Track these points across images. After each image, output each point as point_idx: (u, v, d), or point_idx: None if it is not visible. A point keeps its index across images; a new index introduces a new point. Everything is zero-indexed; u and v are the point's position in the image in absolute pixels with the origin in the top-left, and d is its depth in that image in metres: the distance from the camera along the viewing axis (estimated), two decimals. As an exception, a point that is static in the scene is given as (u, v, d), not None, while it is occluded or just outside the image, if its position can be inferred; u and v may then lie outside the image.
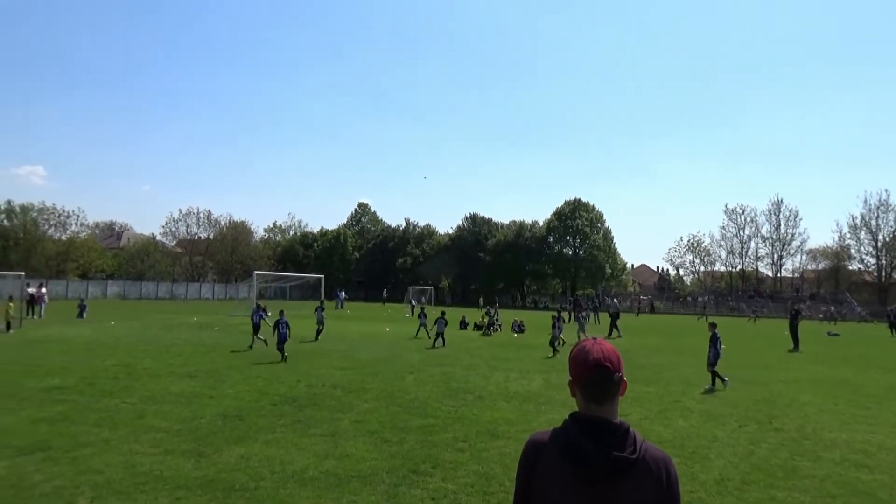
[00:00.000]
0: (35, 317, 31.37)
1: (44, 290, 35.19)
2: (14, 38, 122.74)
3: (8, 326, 23.04)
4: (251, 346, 20.07)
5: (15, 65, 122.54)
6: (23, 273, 31.60)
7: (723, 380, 14.26)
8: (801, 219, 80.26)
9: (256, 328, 20.55)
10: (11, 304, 23.65)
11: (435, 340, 21.11)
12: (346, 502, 6.11)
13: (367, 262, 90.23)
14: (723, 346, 14.95)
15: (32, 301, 32.64)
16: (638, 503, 1.86)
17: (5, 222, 72.42)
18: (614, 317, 30.70)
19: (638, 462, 1.86)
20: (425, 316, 26.29)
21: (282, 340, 17.22)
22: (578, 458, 1.85)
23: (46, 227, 72.53)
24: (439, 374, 14.99)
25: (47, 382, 12.43)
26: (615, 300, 39.86)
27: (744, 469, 7.51)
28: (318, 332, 23.62)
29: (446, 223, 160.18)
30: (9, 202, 72.64)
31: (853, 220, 75.65)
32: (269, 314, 22.78)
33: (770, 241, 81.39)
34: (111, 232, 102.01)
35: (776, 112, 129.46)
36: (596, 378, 1.96)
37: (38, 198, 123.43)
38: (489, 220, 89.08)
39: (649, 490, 1.86)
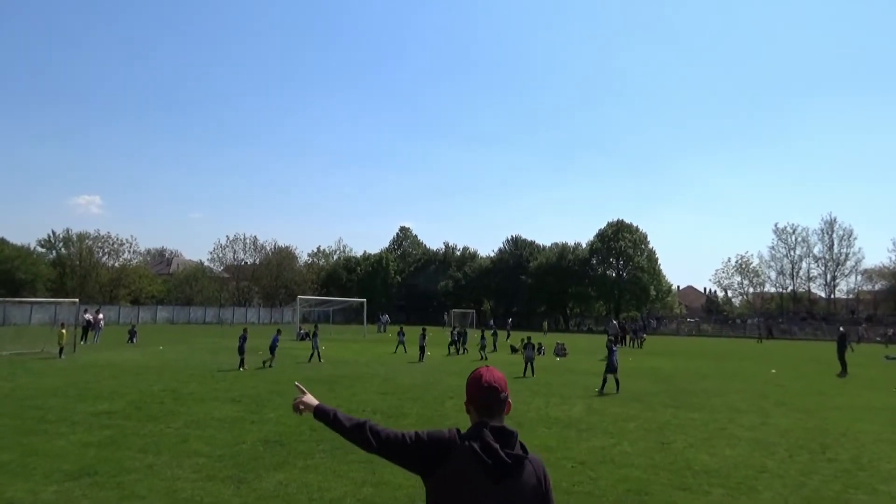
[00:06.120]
0: (90, 342, 32.42)
1: (100, 315, 36.41)
2: (73, 73, 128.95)
3: (60, 352, 23.86)
4: (270, 365, 21.87)
5: (76, 99, 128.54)
6: (77, 300, 32.72)
7: (604, 383, 16.88)
8: (855, 238, 77.28)
9: (273, 349, 22.31)
10: (64, 331, 24.47)
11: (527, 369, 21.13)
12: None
13: (409, 285, 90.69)
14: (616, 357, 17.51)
15: (88, 327, 33.79)
16: (527, 490, 2.36)
17: (63, 250, 75.51)
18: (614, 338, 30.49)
19: (527, 461, 2.38)
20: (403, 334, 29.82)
21: (240, 353, 20.89)
22: (492, 455, 2.31)
23: (101, 254, 75.29)
24: (479, 400, 14.84)
25: (97, 407, 12.80)
26: (614, 322, 40.01)
27: (794, 502, 7.21)
28: (312, 355, 24.48)
29: (488, 246, 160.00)
30: (67, 231, 75.89)
31: (911, 238, 72.66)
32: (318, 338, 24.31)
33: (823, 261, 78.72)
34: (161, 259, 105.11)
35: (827, 127, 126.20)
36: (487, 397, 2.48)
37: (94, 226, 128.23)
38: (531, 243, 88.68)
39: (535, 482, 2.38)
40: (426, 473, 2.43)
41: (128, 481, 7.53)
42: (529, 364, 20.96)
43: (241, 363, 20.89)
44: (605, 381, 16.97)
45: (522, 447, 2.40)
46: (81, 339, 31.14)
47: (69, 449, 9.14)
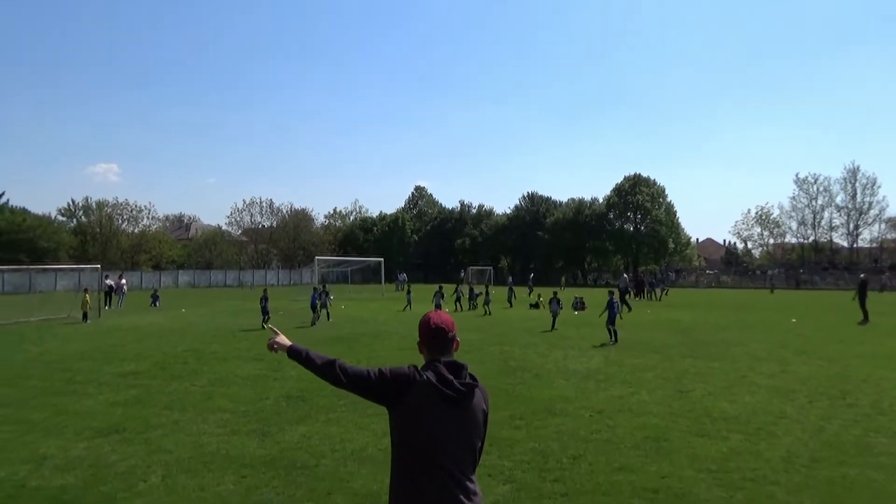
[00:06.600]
0: (114, 307, 33.03)
1: (123, 281, 36.96)
2: (86, 42, 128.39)
3: (84, 317, 24.33)
4: (313, 324, 22.62)
5: (90, 68, 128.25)
6: (99, 266, 33.18)
7: (613, 335, 17.05)
8: (879, 186, 75.32)
9: (314, 308, 23.27)
10: (88, 296, 24.89)
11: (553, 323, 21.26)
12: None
13: (426, 244, 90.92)
14: (619, 308, 18.19)
15: (110, 292, 34.35)
16: (478, 413, 2.71)
17: (83, 218, 76.48)
18: (623, 292, 31.65)
19: (477, 388, 2.71)
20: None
21: (264, 312, 21.96)
22: (448, 385, 2.61)
23: (120, 221, 76.14)
24: (497, 353, 14.99)
25: (123, 368, 13.09)
26: (625, 276, 41.06)
27: (813, 446, 7.21)
28: (319, 317, 23.68)
29: (504, 203, 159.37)
30: (86, 199, 76.73)
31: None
32: (332, 298, 24.14)
33: (845, 210, 77.19)
34: (180, 224, 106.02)
35: (850, 76, 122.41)
36: (436, 337, 2.77)
37: (112, 194, 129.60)
38: (547, 199, 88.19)
39: (483, 406, 2.75)
40: (391, 405, 2.69)
41: (155, 437, 7.72)
42: (554, 318, 21.11)
43: (266, 320, 21.74)
44: (615, 332, 17.19)
45: (472, 377, 2.70)
46: (105, 305, 31.68)
47: (97, 408, 9.37)
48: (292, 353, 2.92)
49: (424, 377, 2.64)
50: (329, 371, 2.80)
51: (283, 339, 3.00)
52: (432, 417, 2.60)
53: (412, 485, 2.62)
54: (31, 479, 6.16)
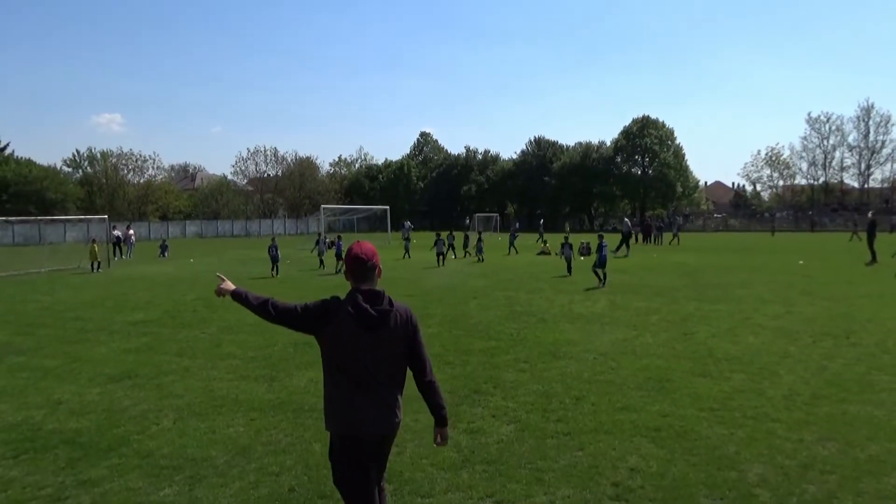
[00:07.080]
0: (124, 257, 33.28)
1: (131, 231, 37.11)
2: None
3: (93, 267, 24.54)
4: (338, 271, 22.66)
5: (92, 17, 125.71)
6: (106, 217, 33.21)
7: (602, 280, 17.28)
8: (893, 124, 73.74)
9: (339, 255, 23.37)
10: (96, 246, 25.03)
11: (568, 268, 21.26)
12: (408, 420, 6.29)
13: (432, 191, 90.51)
14: (608, 252, 18.25)
15: (118, 242, 34.51)
16: (398, 333, 3.07)
17: (88, 169, 76.35)
18: (626, 236, 32.42)
19: (392, 312, 3.04)
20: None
21: (273, 261, 22.24)
22: (362, 313, 2.95)
23: (125, 171, 75.98)
24: (503, 299, 15.08)
25: (134, 316, 13.27)
26: (626, 220, 41.38)
27: (815, 384, 7.28)
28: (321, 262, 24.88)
29: (510, 148, 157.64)
30: (90, 149, 76.43)
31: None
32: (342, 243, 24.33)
33: (857, 149, 75.90)
34: (185, 174, 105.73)
35: (864, 10, 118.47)
36: (356, 266, 3.08)
37: (116, 144, 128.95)
38: (554, 143, 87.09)
39: (402, 326, 3.09)
40: (317, 333, 3.08)
41: (166, 382, 7.88)
42: (569, 263, 21.23)
43: (276, 270, 22.18)
44: (604, 275, 17.39)
45: (390, 302, 3.05)
46: (114, 255, 31.86)
47: (110, 355, 9.54)
48: (235, 295, 3.26)
49: (344, 307, 2.99)
50: (262, 308, 3.16)
51: (228, 285, 3.33)
52: (351, 342, 2.99)
53: (339, 400, 3.09)
54: (47, 423, 6.32)
